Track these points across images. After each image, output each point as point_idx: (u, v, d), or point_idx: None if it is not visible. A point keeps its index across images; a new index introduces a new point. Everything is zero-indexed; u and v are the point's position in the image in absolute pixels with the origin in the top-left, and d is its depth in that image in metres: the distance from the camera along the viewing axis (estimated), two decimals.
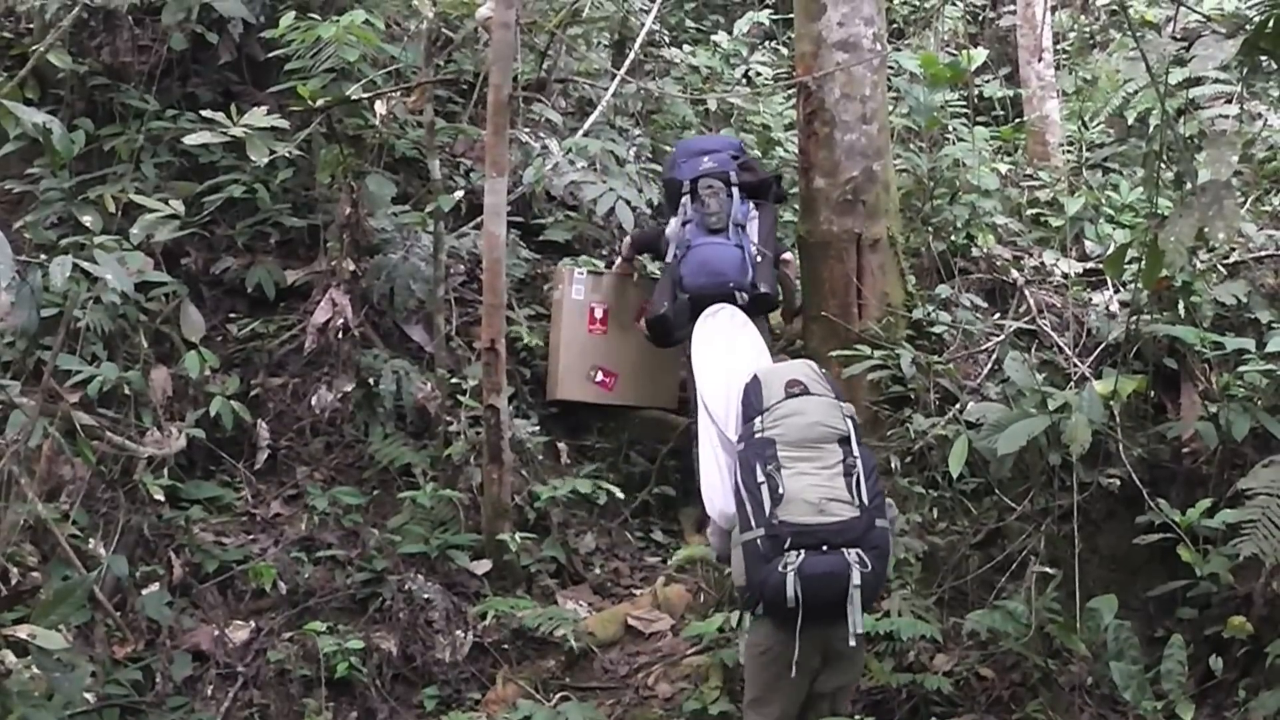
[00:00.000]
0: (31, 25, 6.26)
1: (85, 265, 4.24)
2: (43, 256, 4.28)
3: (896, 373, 5.29)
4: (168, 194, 5.39)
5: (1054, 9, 8.51)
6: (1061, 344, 5.51)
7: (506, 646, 5.14)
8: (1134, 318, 5.00)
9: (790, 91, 7.04)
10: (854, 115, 5.73)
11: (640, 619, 5.33)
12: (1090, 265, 6.11)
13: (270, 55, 5.87)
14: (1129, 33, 6.82)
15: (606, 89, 6.49)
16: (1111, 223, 6.34)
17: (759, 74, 8.29)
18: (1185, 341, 5.15)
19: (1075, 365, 5.30)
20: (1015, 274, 6.08)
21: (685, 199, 5.82)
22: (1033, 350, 5.57)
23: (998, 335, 5.63)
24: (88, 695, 4.37)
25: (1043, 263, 6.20)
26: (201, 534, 5.29)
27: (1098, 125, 7.68)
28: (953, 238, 6.17)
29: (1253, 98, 6.57)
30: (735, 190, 5.77)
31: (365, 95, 5.85)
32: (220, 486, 5.57)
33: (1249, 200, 6.09)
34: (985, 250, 6.20)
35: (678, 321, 5.63)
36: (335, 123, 5.91)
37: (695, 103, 7.76)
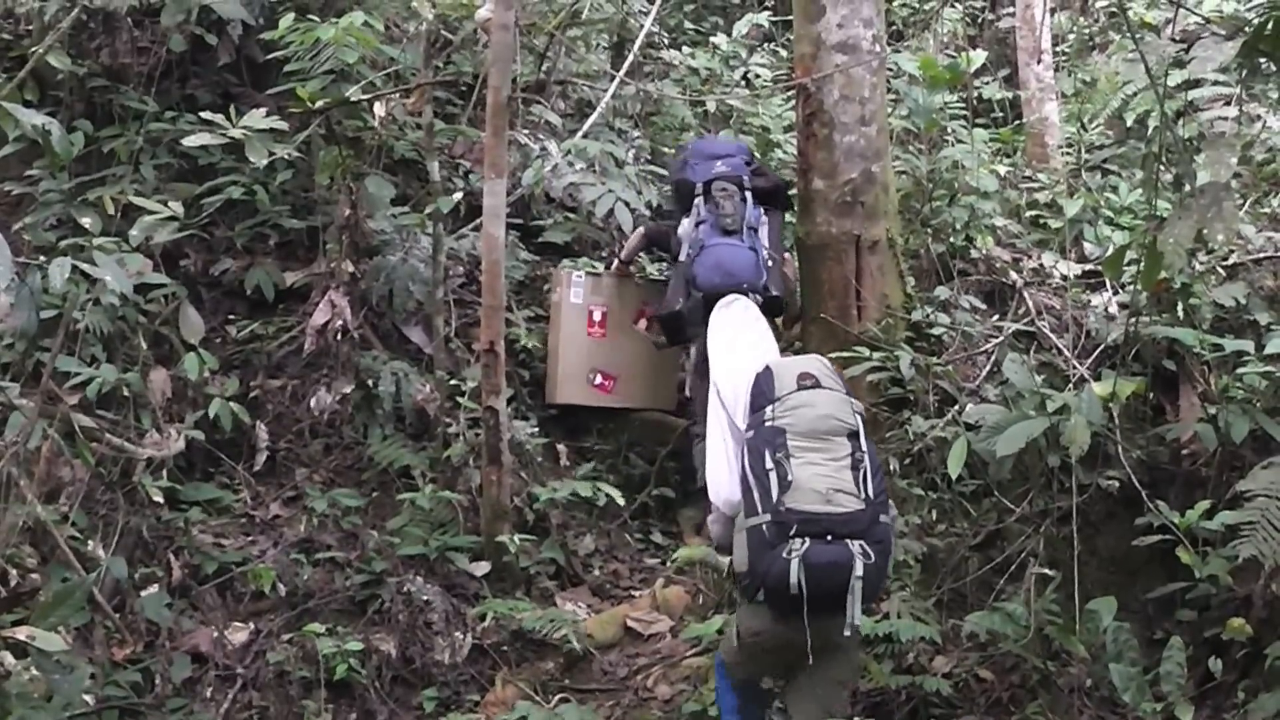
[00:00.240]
0: (31, 27, 6.26)
1: (84, 267, 4.25)
2: (42, 258, 4.28)
3: (895, 374, 5.29)
4: (167, 196, 5.40)
5: (1053, 11, 8.52)
6: (1060, 346, 5.51)
7: (506, 648, 5.14)
8: (1133, 319, 5.00)
9: (789, 93, 7.04)
10: (853, 117, 5.73)
11: (639, 621, 5.32)
12: (1089, 267, 6.10)
13: (269, 57, 5.88)
14: (1128, 35, 6.82)
15: (605, 91, 6.50)
16: (1110, 224, 6.34)
17: (758, 76, 8.29)
18: (1184, 343, 5.15)
19: (1074, 367, 5.29)
20: (1014, 276, 6.08)
21: (699, 200, 5.87)
22: (1032, 352, 5.57)
23: (997, 337, 5.63)
24: (87, 697, 4.37)
25: (1042, 264, 6.20)
26: (201, 536, 5.29)
27: (1097, 127, 7.68)
28: (952, 239, 6.17)
29: (1252, 100, 6.57)
30: (748, 195, 5.87)
31: (364, 97, 5.85)
32: (219, 488, 5.58)
33: (1248, 202, 6.09)
34: (984, 252, 6.20)
35: (690, 319, 5.72)
36: (334, 124, 5.91)
37: (694, 104, 7.76)
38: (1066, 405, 4.48)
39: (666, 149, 7.46)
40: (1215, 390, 5.06)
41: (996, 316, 5.89)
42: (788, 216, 6.16)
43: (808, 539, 3.56)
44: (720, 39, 8.42)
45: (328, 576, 5.27)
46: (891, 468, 5.03)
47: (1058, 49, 8.39)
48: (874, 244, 5.73)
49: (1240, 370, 4.96)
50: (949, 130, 7.08)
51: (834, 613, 3.57)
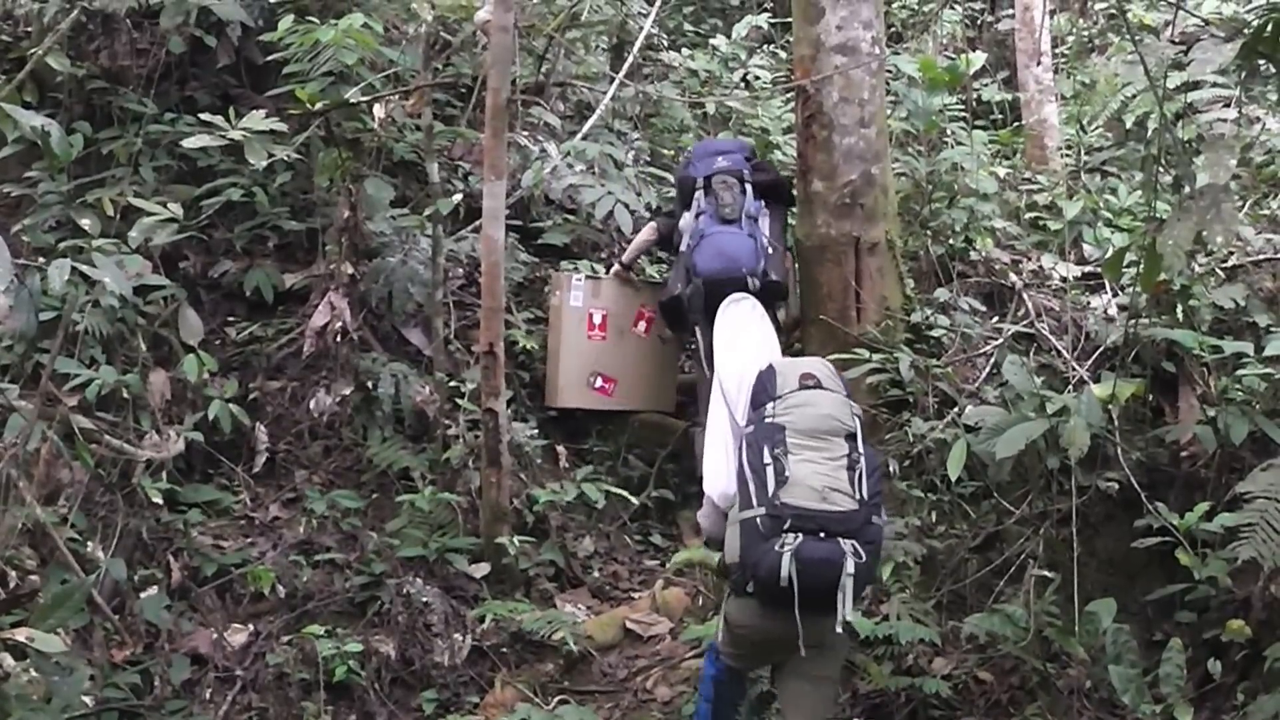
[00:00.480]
0: (30, 28, 6.26)
1: (83, 268, 4.24)
2: (41, 260, 4.29)
3: (895, 376, 5.29)
4: (166, 197, 5.40)
5: (1052, 13, 8.52)
6: (1060, 347, 5.51)
7: (505, 650, 5.14)
8: (1132, 321, 5.00)
9: (789, 95, 7.05)
10: (852, 119, 5.74)
11: (639, 622, 5.32)
12: (1089, 269, 6.11)
13: (269, 59, 5.88)
14: (1127, 37, 6.82)
15: (605, 92, 6.51)
16: (1110, 226, 6.34)
17: (757, 78, 8.30)
18: (1183, 345, 5.15)
19: (1074, 369, 5.29)
20: (1014, 277, 6.08)
21: (699, 194, 5.93)
22: (1031, 354, 5.57)
23: (996, 339, 5.64)
24: (86, 699, 4.37)
25: (1041, 266, 6.21)
26: (200, 537, 5.29)
27: (1096, 129, 7.68)
28: (951, 241, 6.18)
29: (1251, 102, 6.57)
30: (748, 187, 5.92)
31: (364, 99, 5.86)
32: (219, 490, 5.58)
33: (1247, 204, 6.10)
34: (984, 254, 6.21)
35: (691, 305, 5.78)
36: (334, 126, 5.91)
37: (694, 106, 7.77)
38: (1066, 407, 4.48)
39: (666, 151, 7.47)
40: (1214, 392, 5.06)
41: (996, 318, 5.89)
42: (789, 219, 6.16)
43: (801, 534, 3.57)
44: (720, 41, 8.44)
45: (327, 578, 5.26)
46: (891, 469, 5.04)
47: (1057, 51, 8.40)
48: (873, 246, 5.74)
49: (1239, 372, 4.96)
50: (948, 132, 7.09)
51: (821, 609, 3.58)
